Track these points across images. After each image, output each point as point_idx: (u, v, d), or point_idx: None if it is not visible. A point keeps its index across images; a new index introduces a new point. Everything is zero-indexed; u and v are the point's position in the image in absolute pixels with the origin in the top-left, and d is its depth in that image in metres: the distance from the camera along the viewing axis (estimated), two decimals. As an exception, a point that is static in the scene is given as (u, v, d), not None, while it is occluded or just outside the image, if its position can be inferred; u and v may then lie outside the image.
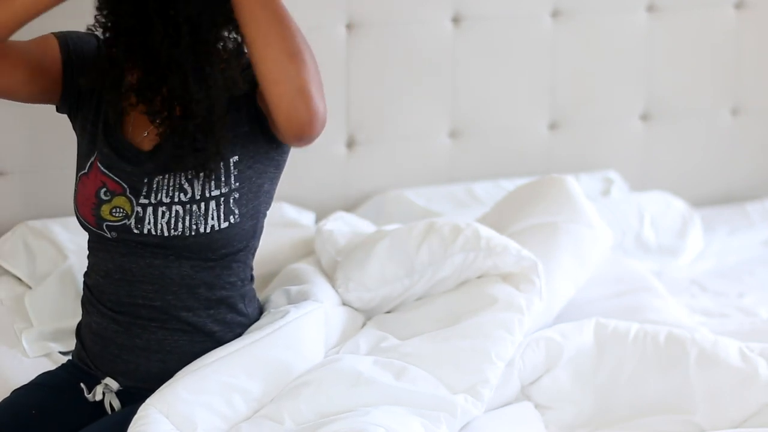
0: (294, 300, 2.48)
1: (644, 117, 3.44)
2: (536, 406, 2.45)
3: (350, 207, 3.15)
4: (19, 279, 2.74)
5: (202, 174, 2.21)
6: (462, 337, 2.42)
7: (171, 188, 2.22)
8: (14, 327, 2.58)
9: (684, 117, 3.48)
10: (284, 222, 2.99)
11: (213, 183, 2.22)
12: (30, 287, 2.70)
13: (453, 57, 3.18)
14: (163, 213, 2.22)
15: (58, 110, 2.32)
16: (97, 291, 2.31)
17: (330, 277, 2.63)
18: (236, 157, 2.23)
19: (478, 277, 2.60)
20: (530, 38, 3.26)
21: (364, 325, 2.58)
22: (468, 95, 3.23)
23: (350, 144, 3.15)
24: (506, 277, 2.58)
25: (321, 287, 2.54)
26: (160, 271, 2.26)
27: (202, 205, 2.22)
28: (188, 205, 2.22)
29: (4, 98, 2.25)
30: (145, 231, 2.23)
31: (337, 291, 2.58)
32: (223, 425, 2.20)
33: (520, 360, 2.45)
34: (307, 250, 2.83)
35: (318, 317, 2.42)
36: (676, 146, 3.49)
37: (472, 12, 3.18)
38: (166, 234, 2.22)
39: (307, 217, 3.05)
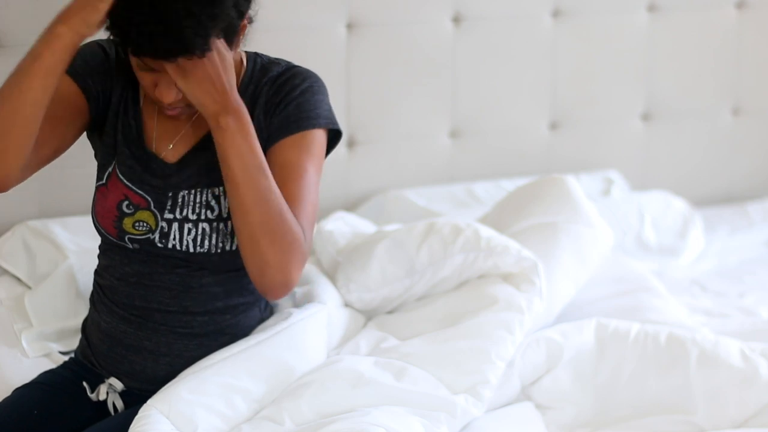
0: (299, 302, 2.48)
1: (644, 117, 3.44)
2: (537, 406, 2.45)
3: (350, 207, 3.15)
4: (19, 279, 2.73)
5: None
6: (462, 338, 2.42)
7: (198, 205, 2.21)
8: (14, 327, 2.57)
9: (684, 117, 3.48)
10: (284, 222, 2.99)
11: None
12: (30, 287, 2.70)
13: (453, 57, 3.18)
14: (189, 230, 2.22)
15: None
16: (109, 291, 2.30)
17: (331, 277, 2.63)
18: None
19: (479, 278, 2.60)
20: (530, 38, 3.26)
21: (365, 325, 2.58)
22: (468, 95, 3.23)
23: (350, 144, 3.15)
24: (507, 278, 2.57)
25: (325, 288, 2.54)
26: (180, 278, 2.25)
27: (230, 223, 2.21)
28: (215, 223, 2.21)
29: (60, 155, 2.23)
30: (170, 246, 2.22)
31: (338, 291, 2.58)
32: (223, 426, 2.19)
33: (521, 360, 2.44)
34: (307, 251, 2.83)
35: (321, 319, 2.42)
36: (676, 146, 3.49)
37: (472, 12, 3.17)
38: (191, 250, 2.22)
39: (307, 217, 3.04)
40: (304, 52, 2.92)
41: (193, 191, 2.21)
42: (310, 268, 2.65)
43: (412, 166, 3.23)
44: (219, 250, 2.22)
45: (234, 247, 2.21)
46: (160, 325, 2.26)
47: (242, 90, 2.25)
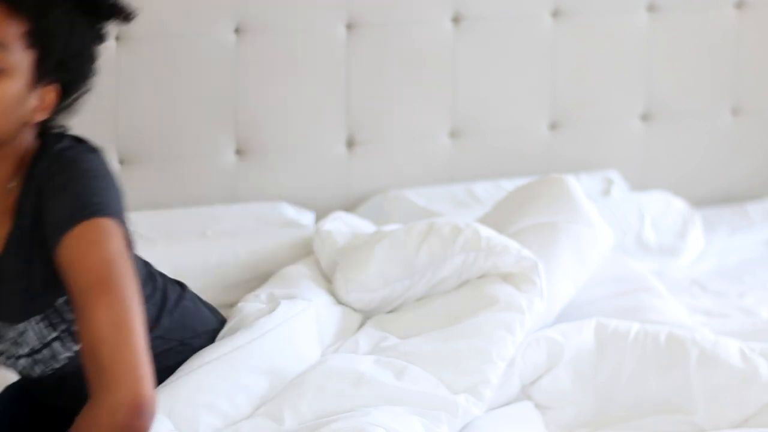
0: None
1: (644, 117, 3.44)
2: (536, 405, 2.45)
3: (350, 207, 3.15)
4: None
5: (33, 323, 1.98)
6: (463, 337, 2.42)
7: (8, 344, 2.01)
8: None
9: (684, 117, 3.48)
10: (284, 222, 2.99)
11: (46, 330, 1.98)
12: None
13: (453, 57, 3.18)
14: (13, 363, 2.04)
15: None
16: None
17: (329, 278, 2.63)
18: (63, 299, 1.95)
19: (479, 278, 2.60)
20: (530, 38, 3.26)
21: (362, 324, 2.58)
22: (468, 95, 3.23)
23: (350, 144, 3.15)
24: (507, 277, 2.57)
25: (306, 287, 2.53)
26: (59, 379, 2.05)
27: (46, 351, 2.00)
28: (32, 356, 2.01)
29: None
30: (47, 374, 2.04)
31: (336, 292, 2.58)
32: (222, 425, 2.19)
33: (521, 359, 2.44)
34: (306, 251, 2.83)
35: (309, 316, 2.41)
36: (676, 146, 3.49)
37: (472, 12, 3.18)
38: (29, 374, 2.04)
39: (306, 217, 3.05)
40: (304, 52, 2.92)
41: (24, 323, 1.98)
42: (297, 271, 2.64)
43: (412, 166, 3.23)
44: (52, 371, 2.02)
45: (66, 361, 2.01)
46: (81, 388, 1.86)
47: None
